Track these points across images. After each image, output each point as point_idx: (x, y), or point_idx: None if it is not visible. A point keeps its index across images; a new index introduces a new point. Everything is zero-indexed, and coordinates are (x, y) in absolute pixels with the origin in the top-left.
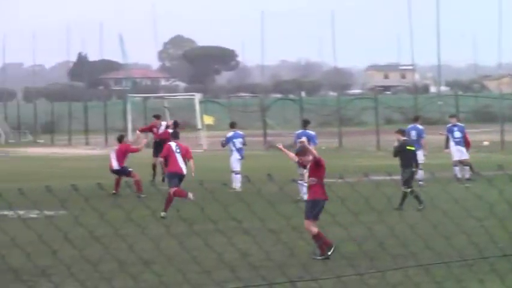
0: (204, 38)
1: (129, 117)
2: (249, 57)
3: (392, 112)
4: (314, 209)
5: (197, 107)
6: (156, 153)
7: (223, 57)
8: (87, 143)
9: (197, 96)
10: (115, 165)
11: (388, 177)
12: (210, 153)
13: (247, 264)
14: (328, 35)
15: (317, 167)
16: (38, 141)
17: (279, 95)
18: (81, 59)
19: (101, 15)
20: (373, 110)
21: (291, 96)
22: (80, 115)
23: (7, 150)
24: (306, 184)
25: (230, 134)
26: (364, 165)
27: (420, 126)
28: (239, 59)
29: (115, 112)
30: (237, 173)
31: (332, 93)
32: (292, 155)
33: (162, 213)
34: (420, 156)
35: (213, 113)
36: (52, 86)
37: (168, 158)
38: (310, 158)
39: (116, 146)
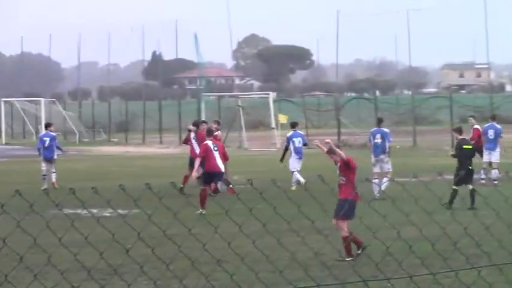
0: (279, 37)
1: (203, 116)
2: (323, 56)
3: (467, 111)
4: (343, 208)
5: (271, 105)
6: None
7: (298, 56)
8: (161, 142)
9: (271, 95)
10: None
11: None
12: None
13: (320, 264)
14: (403, 34)
15: (347, 167)
16: (112, 140)
17: (353, 94)
18: (156, 58)
19: (176, 15)
20: (448, 109)
21: (366, 95)
22: (154, 114)
23: (81, 149)
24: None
25: (290, 133)
26: (439, 164)
27: (498, 125)
28: (314, 58)
29: (189, 111)
30: (294, 171)
31: (407, 92)
32: (342, 152)
33: (200, 211)
34: (497, 155)
35: (287, 112)
36: (126, 85)
37: (206, 157)
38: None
39: (191, 131)
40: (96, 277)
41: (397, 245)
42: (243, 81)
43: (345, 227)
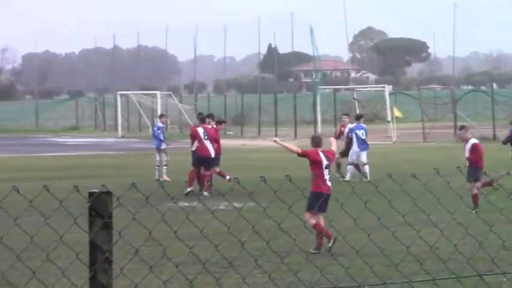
0: (395, 30)
1: (319, 109)
2: (440, 48)
3: None
4: (316, 202)
5: (387, 99)
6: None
7: (414, 49)
8: (276, 135)
9: (387, 88)
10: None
11: None
12: (399, 145)
13: (435, 257)
14: None
15: (311, 163)
16: (228, 133)
17: (469, 87)
18: (271, 51)
19: (292, 7)
20: None
21: (482, 88)
22: (269, 107)
23: None
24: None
25: (353, 125)
26: None
27: None
28: (430, 50)
29: (305, 104)
30: (365, 164)
31: None
32: (293, 147)
33: (188, 190)
34: None
35: (403, 104)
36: (242, 77)
37: (198, 144)
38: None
39: (200, 129)
40: (211, 270)
41: None
42: (358, 74)
43: (313, 219)
